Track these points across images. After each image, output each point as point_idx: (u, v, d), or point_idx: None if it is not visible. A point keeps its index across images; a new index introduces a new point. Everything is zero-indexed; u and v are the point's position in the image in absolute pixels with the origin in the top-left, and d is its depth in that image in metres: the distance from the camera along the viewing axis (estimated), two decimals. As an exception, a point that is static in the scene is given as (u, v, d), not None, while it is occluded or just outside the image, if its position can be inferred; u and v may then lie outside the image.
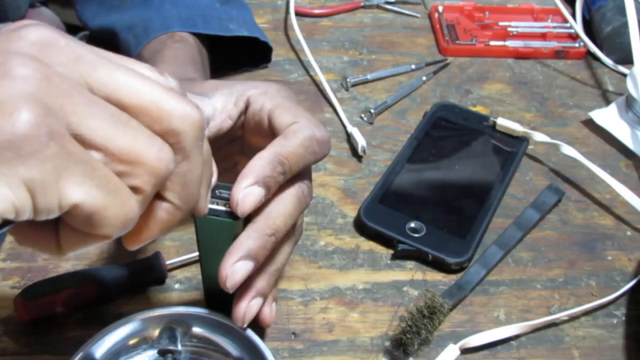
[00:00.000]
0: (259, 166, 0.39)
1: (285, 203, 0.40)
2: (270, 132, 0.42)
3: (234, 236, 0.39)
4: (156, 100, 0.29)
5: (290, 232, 0.42)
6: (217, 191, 0.39)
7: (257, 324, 0.42)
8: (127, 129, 0.28)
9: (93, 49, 0.29)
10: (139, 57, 0.58)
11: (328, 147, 0.42)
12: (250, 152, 0.42)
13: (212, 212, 0.39)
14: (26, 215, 0.26)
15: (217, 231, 0.40)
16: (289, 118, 0.41)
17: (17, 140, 0.25)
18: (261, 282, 0.41)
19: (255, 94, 0.43)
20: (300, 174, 0.41)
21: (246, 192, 0.38)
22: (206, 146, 0.32)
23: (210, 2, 0.65)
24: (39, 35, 0.27)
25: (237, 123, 0.43)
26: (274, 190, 0.40)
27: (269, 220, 0.39)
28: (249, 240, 0.39)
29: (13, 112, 0.25)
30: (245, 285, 0.40)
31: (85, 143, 0.27)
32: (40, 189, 0.26)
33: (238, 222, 0.39)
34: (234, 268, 0.38)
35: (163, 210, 0.31)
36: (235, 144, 0.46)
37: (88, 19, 0.68)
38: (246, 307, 0.41)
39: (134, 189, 0.29)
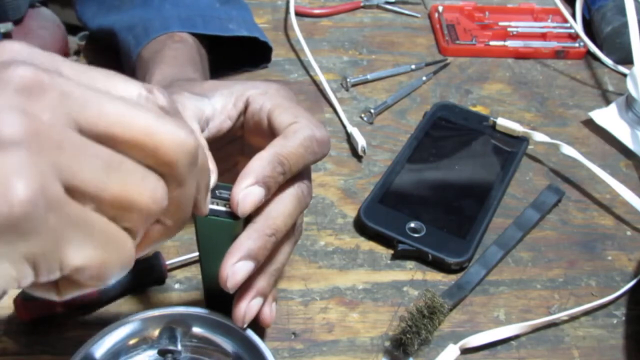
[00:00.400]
0: (259, 166, 0.39)
1: (285, 203, 0.40)
2: (270, 132, 0.42)
3: (234, 236, 0.39)
4: (149, 133, 0.28)
5: (290, 232, 0.42)
6: (217, 191, 0.39)
7: (257, 324, 0.42)
8: (120, 173, 0.27)
9: (80, 76, 0.28)
10: (139, 58, 0.58)
11: (328, 147, 0.42)
12: (250, 152, 0.42)
13: (212, 212, 0.39)
14: (28, 283, 0.26)
15: (217, 231, 0.40)
16: (288, 118, 0.41)
17: (15, 221, 0.24)
18: (261, 282, 0.41)
19: (255, 94, 0.43)
20: (300, 174, 0.41)
21: (246, 192, 0.38)
22: (201, 154, 0.31)
23: (210, 2, 0.65)
24: (21, 78, 0.25)
25: (236, 123, 0.43)
26: (274, 190, 0.39)
27: (269, 221, 0.39)
28: (249, 241, 0.39)
29: (7, 192, 0.24)
30: (245, 285, 0.40)
31: (78, 194, 0.26)
32: (42, 260, 0.25)
33: (238, 222, 0.39)
34: (235, 268, 0.38)
35: (156, 231, 0.31)
36: (235, 144, 0.46)
37: (88, 19, 0.68)
38: (246, 307, 0.41)
39: (128, 230, 0.28)
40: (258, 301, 0.41)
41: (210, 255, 0.41)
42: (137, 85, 0.29)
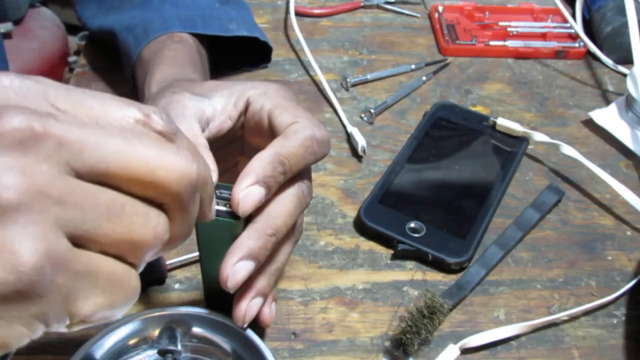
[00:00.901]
0: (260, 166, 0.39)
1: (286, 203, 0.40)
2: (270, 132, 0.42)
3: (235, 236, 0.39)
4: (149, 169, 0.27)
5: (291, 232, 0.42)
6: (217, 191, 0.39)
7: (256, 324, 0.42)
8: (122, 218, 0.27)
9: (75, 107, 0.27)
10: (139, 58, 0.58)
11: (328, 147, 0.42)
12: (250, 152, 0.42)
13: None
14: (39, 336, 0.26)
15: (217, 231, 0.40)
16: (289, 118, 0.41)
17: (24, 288, 0.24)
18: (261, 282, 0.41)
19: (255, 94, 0.43)
20: (300, 174, 0.41)
21: (247, 192, 0.38)
22: (203, 167, 0.30)
23: (210, 2, 0.65)
24: (16, 132, 0.24)
25: (237, 123, 0.43)
26: (274, 190, 0.40)
27: (270, 220, 0.39)
28: (250, 241, 0.39)
29: (13, 260, 0.24)
30: (246, 285, 0.40)
31: (83, 241, 0.26)
32: (52, 317, 0.26)
33: (239, 222, 0.39)
34: (235, 268, 0.38)
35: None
36: (235, 144, 0.46)
37: (88, 19, 0.68)
38: (246, 307, 0.41)
39: (132, 264, 0.28)
40: (258, 301, 0.41)
41: (211, 255, 0.41)
42: (133, 110, 0.28)
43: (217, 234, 0.40)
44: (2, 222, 0.24)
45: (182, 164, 0.28)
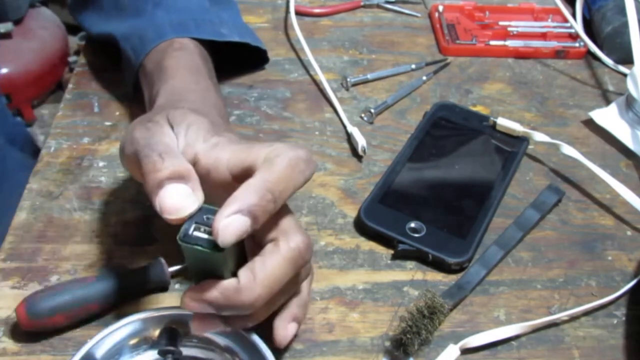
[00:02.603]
0: (244, 194, 0.37)
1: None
2: (240, 180, 0.39)
3: (223, 263, 0.37)
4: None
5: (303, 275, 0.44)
6: (204, 216, 0.37)
7: (261, 330, 0.42)
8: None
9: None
10: (142, 68, 0.57)
11: (314, 164, 0.41)
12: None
13: (194, 240, 0.37)
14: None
15: (202, 259, 0.38)
16: (263, 148, 0.40)
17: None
18: (296, 310, 0.44)
19: (204, 148, 0.41)
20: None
21: (228, 221, 0.36)
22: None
23: (201, 1, 0.63)
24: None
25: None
26: (263, 220, 0.38)
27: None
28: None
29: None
30: (285, 312, 0.44)
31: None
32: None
33: (221, 254, 0.36)
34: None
35: None
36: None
37: (90, 26, 0.67)
38: (288, 328, 0.44)
39: None
40: (294, 326, 0.44)
41: (201, 277, 0.39)
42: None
43: (202, 261, 0.38)
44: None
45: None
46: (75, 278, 0.49)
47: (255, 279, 0.38)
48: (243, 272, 0.38)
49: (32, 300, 0.45)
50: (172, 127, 0.43)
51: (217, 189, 0.41)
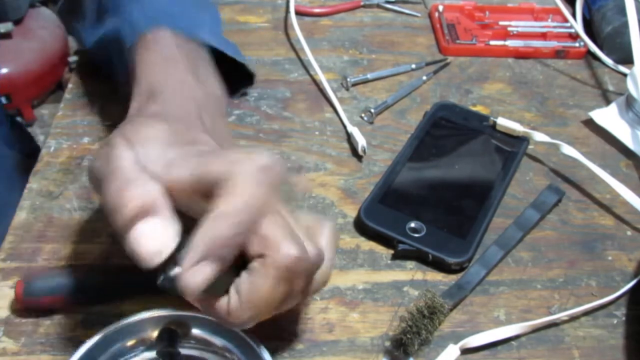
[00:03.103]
0: (206, 234, 0.33)
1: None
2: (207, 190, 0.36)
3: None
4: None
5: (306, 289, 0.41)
6: (183, 251, 0.34)
7: (258, 326, 0.42)
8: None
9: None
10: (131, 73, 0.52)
11: (284, 168, 0.37)
12: None
13: (168, 281, 0.34)
14: None
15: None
16: (222, 164, 0.35)
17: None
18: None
19: (161, 169, 0.37)
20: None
21: (190, 275, 0.33)
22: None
23: (182, 3, 0.59)
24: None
25: None
26: (233, 254, 0.34)
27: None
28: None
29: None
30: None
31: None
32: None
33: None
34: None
35: None
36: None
37: (86, 42, 0.63)
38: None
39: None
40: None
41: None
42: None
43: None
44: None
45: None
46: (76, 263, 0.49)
47: (240, 304, 0.36)
48: (232, 293, 0.36)
49: (30, 278, 0.47)
50: (131, 146, 0.38)
51: (192, 202, 0.37)
